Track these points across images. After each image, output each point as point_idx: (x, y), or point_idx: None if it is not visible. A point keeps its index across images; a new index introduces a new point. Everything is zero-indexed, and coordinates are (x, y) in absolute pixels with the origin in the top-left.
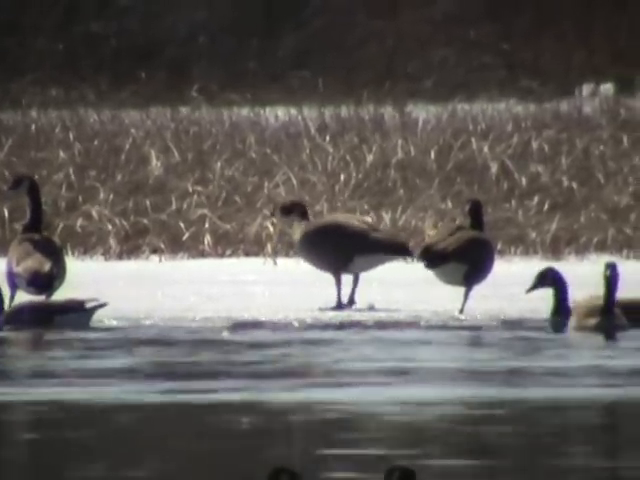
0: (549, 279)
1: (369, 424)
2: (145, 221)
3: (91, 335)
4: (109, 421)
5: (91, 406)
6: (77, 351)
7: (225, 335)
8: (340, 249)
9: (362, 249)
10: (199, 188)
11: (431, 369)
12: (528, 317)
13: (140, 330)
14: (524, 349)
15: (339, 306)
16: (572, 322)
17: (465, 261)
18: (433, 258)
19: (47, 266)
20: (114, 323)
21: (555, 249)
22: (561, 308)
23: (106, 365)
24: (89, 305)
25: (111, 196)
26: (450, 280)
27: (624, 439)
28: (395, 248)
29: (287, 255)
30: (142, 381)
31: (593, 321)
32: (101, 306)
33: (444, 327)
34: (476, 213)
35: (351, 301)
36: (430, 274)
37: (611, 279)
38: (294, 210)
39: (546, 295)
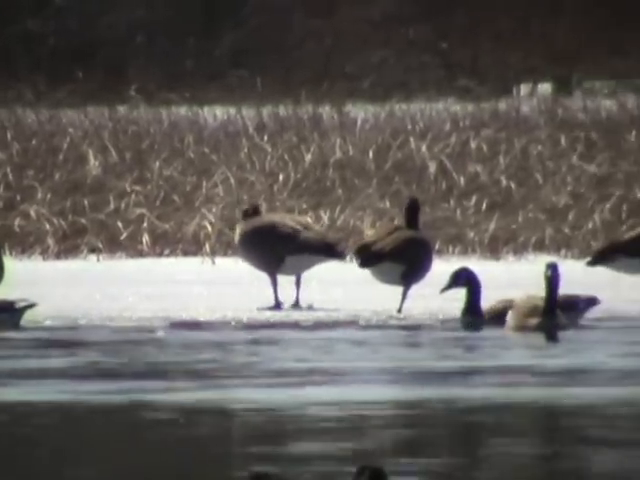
0: (463, 279)
1: (301, 424)
2: (83, 221)
3: (24, 335)
4: (40, 421)
5: (23, 406)
6: (8, 351)
7: (160, 335)
8: (272, 249)
9: (292, 249)
10: (137, 188)
11: (367, 369)
12: None
13: (74, 330)
14: (462, 349)
15: (276, 306)
16: (511, 321)
17: (402, 261)
18: (369, 257)
19: None
20: (47, 323)
21: (493, 248)
22: (473, 308)
23: (37, 365)
24: (19, 305)
25: (49, 196)
26: (387, 279)
27: (560, 440)
28: (324, 249)
29: (225, 255)
30: (75, 381)
31: (535, 321)
32: (31, 306)
33: (383, 327)
34: (412, 211)
35: (296, 303)
36: (369, 273)
37: (552, 279)
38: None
39: (487, 295)
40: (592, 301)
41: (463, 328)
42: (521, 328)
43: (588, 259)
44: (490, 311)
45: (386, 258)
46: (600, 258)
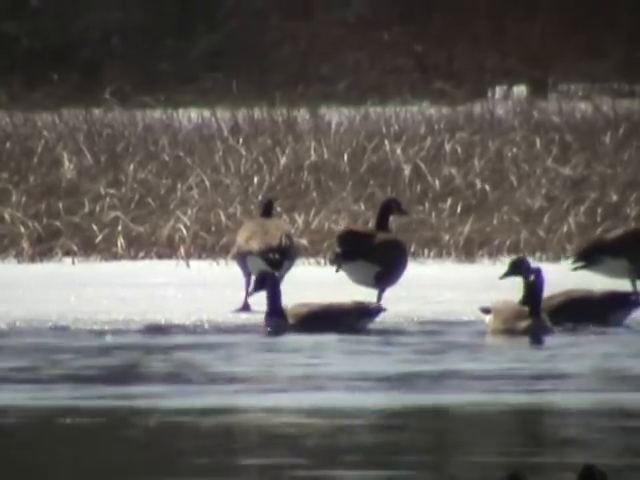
0: (265, 283)
1: (259, 433)
2: (58, 223)
3: None
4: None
5: None
6: None
7: (108, 339)
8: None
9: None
10: (112, 190)
11: (337, 375)
12: (442, 319)
13: (40, 334)
14: (438, 352)
15: (244, 308)
16: (493, 325)
17: (377, 261)
18: (344, 254)
19: None
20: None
21: (468, 251)
22: (274, 310)
23: None
24: None
25: (24, 198)
26: (361, 279)
27: (541, 445)
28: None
29: (200, 257)
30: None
31: (520, 324)
32: None
33: (356, 330)
34: (384, 211)
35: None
36: (343, 276)
37: (536, 283)
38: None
39: (460, 298)
40: (379, 309)
41: (267, 327)
42: (506, 332)
43: (572, 262)
44: (291, 313)
45: (361, 257)
46: (583, 258)
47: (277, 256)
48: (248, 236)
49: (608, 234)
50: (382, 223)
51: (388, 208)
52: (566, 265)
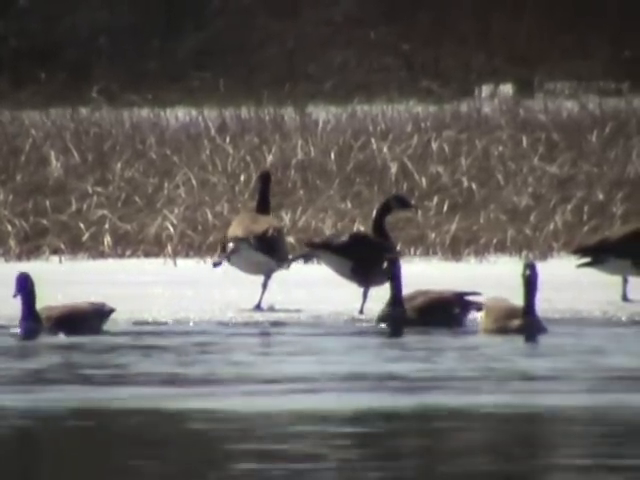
0: (25, 284)
1: (241, 437)
2: (45, 222)
3: None
4: None
5: None
6: None
7: (62, 339)
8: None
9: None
10: (99, 189)
11: (324, 375)
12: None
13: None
14: (424, 351)
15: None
16: (485, 324)
17: (349, 256)
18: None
19: None
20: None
21: (455, 250)
22: (27, 312)
23: None
24: None
25: (11, 197)
26: (338, 271)
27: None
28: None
29: (187, 256)
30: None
31: (513, 323)
32: None
33: (344, 328)
34: (380, 213)
35: (258, 305)
36: (331, 275)
37: (530, 279)
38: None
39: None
40: (112, 310)
41: (22, 333)
42: (500, 331)
43: (578, 258)
44: (42, 316)
45: (325, 248)
46: (589, 255)
47: (255, 242)
48: (236, 224)
49: (612, 233)
50: (378, 224)
51: (386, 208)
52: (555, 263)
